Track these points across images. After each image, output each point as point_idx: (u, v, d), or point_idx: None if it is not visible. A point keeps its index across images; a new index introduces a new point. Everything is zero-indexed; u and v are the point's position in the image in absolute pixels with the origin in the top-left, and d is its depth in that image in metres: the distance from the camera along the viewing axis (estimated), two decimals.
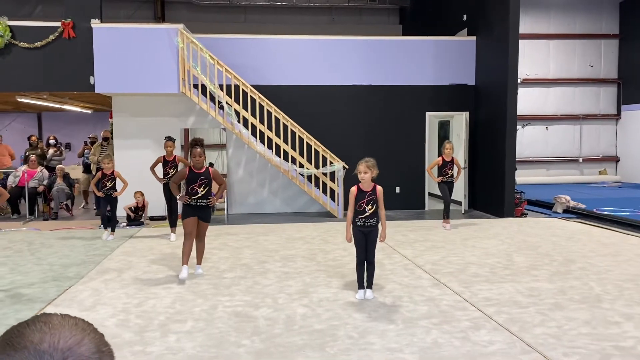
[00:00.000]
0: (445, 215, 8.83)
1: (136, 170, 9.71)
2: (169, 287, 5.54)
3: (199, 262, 6.02)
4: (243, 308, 4.82)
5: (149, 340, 4.07)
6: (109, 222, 8.16)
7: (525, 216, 10.23)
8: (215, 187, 6.07)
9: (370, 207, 4.88)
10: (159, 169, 8.01)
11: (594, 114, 15.84)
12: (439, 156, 9.04)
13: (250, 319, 4.52)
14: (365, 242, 5.00)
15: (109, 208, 8.21)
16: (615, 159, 16.08)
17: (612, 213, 9.67)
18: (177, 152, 10.68)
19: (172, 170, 7.83)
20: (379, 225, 4.99)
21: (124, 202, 10.07)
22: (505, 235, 8.22)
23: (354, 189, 4.96)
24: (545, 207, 11.12)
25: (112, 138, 11.07)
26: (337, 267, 6.33)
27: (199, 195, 5.77)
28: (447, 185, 8.78)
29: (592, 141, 15.95)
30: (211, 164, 10.83)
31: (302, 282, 5.69)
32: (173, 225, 8.02)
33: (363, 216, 4.91)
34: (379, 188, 4.96)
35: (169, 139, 8.03)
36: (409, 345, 3.90)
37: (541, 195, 11.86)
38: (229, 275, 5.97)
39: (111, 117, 11.29)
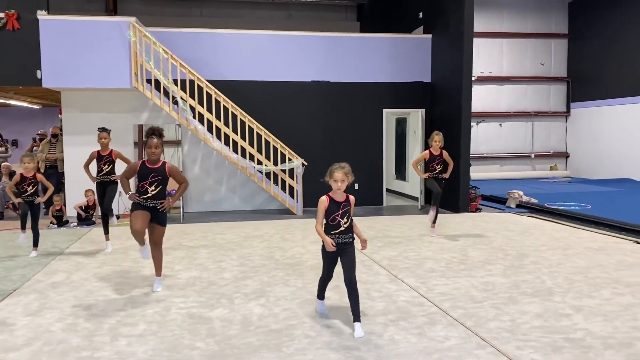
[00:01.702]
0: (434, 218, 7.80)
1: None
2: (120, 289, 5.35)
3: (158, 273, 5.28)
4: (198, 309, 4.70)
5: (97, 345, 3.91)
6: (33, 235, 6.82)
7: (480, 211, 10.43)
8: (174, 185, 5.34)
9: (345, 220, 4.16)
10: (93, 166, 6.99)
11: (545, 111, 16.33)
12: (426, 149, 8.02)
13: (205, 321, 4.41)
14: (340, 261, 4.23)
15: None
16: (565, 155, 16.63)
17: (562, 207, 9.97)
18: (129, 148, 10.42)
19: (106, 167, 6.87)
20: (354, 240, 4.28)
21: (74, 201, 9.74)
22: (460, 230, 8.35)
23: (325, 200, 4.17)
24: (499, 202, 11.37)
25: (61, 134, 10.67)
26: (295, 265, 6.27)
27: (149, 195, 4.95)
28: (436, 182, 7.74)
29: (544, 138, 16.44)
30: None
31: (259, 281, 5.60)
32: (106, 231, 7.11)
33: (337, 231, 4.15)
34: (352, 197, 4.28)
35: (103, 130, 6.96)
36: (365, 343, 3.88)
37: (495, 191, 12.13)
38: (184, 276, 5.82)
39: (61, 113, 10.88)
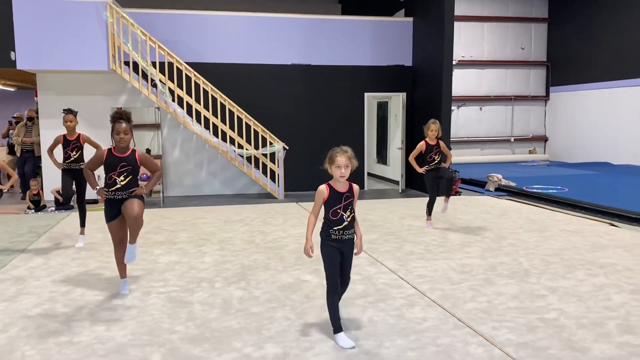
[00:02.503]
0: (428, 211, 7.41)
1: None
2: (99, 274, 5.32)
3: (132, 240, 4.56)
4: (177, 293, 4.69)
5: (76, 329, 3.89)
6: None
7: (460, 195, 10.54)
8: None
9: (348, 213, 3.61)
10: (59, 152, 6.34)
11: (525, 95, 16.47)
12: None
13: (185, 305, 4.41)
14: (342, 261, 3.66)
15: None
16: (544, 139, 16.83)
17: (540, 190, 10.12)
18: (107, 132, 10.27)
19: (74, 153, 6.27)
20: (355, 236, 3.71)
21: (52, 185, 9.61)
22: (439, 213, 8.42)
23: (324, 190, 3.62)
24: (478, 185, 11.50)
25: (37, 117, 10.47)
26: (276, 248, 6.29)
27: (118, 186, 4.41)
28: (435, 173, 7.16)
29: (523, 122, 16.61)
30: (148, 150, 10.43)
31: (240, 265, 5.61)
32: (82, 224, 6.55)
33: (341, 226, 3.58)
34: (356, 187, 3.73)
35: (69, 112, 6.28)
36: (344, 325, 3.91)
37: (475, 174, 12.25)
38: (163, 260, 5.80)
39: (37, 96, 10.67)
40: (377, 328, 3.89)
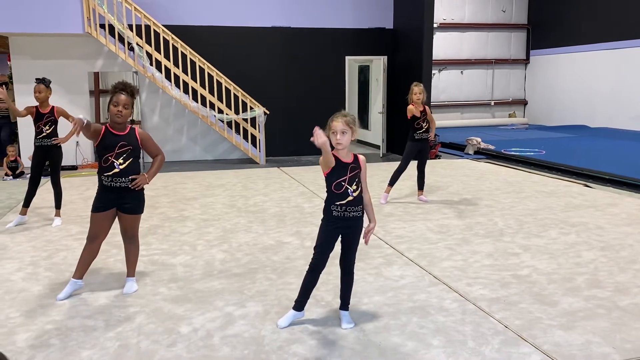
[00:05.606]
0: (391, 181, 6.80)
1: None
2: (80, 238, 5.32)
3: (130, 272, 4.06)
4: (160, 256, 4.75)
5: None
6: None
7: (439, 158, 10.66)
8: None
9: (355, 187, 3.18)
10: (31, 125, 5.81)
11: (505, 58, 16.50)
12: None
13: (168, 267, 4.48)
14: (341, 239, 3.31)
15: None
16: (524, 102, 16.97)
17: (518, 153, 10.29)
18: (84, 98, 10.13)
19: (46, 127, 5.60)
20: (364, 216, 3.30)
21: (29, 152, 9.46)
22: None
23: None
24: (458, 149, 11.63)
25: (11, 83, 10.25)
26: (257, 212, 6.35)
27: (116, 170, 3.71)
28: (420, 145, 6.60)
29: (503, 85, 16.69)
30: (132, 122, 10.24)
31: (221, 228, 5.67)
32: (57, 205, 5.96)
33: (345, 201, 3.17)
34: (362, 157, 3.30)
35: (42, 81, 5.61)
36: (324, 284, 4.02)
37: (455, 138, 12.37)
38: (145, 225, 5.80)
39: (10, 60, 10.41)
40: (356, 286, 3.98)
